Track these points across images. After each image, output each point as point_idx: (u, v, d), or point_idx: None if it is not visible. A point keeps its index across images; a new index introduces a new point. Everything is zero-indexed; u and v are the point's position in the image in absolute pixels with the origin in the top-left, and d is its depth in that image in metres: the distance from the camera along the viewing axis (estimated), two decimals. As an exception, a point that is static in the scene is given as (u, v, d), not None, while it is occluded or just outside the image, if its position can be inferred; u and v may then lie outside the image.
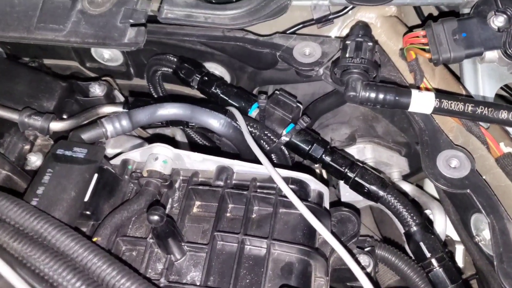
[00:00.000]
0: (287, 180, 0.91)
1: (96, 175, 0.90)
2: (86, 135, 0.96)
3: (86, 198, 0.87)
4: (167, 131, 1.32)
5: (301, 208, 0.84)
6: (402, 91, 0.90)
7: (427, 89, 0.99)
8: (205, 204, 0.93)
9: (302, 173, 0.93)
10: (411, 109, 0.90)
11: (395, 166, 1.26)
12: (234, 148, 1.11)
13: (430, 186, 1.39)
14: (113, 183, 0.93)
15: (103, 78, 1.24)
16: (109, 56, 1.32)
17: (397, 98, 0.89)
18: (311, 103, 1.21)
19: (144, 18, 1.03)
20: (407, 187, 1.28)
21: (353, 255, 0.94)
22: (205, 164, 0.95)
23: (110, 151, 1.14)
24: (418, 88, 0.99)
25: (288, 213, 0.89)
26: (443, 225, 1.19)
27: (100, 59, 1.33)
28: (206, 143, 1.35)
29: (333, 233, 0.95)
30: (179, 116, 1.00)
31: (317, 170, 1.30)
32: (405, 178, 1.34)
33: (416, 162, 1.31)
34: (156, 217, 0.75)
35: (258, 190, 0.91)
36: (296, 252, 0.84)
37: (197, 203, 0.93)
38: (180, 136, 1.33)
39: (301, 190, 0.92)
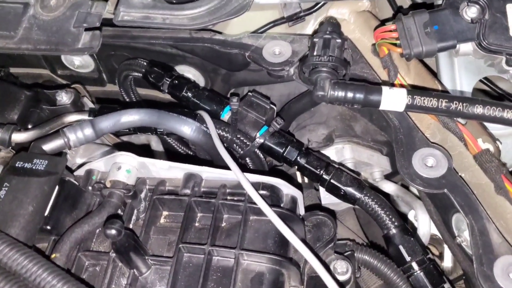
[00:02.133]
0: (257, 185, 0.87)
1: (57, 188, 0.86)
2: (47, 146, 0.92)
3: (46, 212, 0.83)
4: (142, 138, 1.29)
5: (270, 214, 0.80)
6: (372, 89, 0.86)
7: (401, 86, 0.95)
8: (173, 214, 0.89)
9: (273, 178, 0.89)
10: (382, 107, 0.86)
11: (376, 165, 1.22)
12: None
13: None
14: (76, 195, 0.89)
15: (72, 86, 1.20)
16: (79, 62, 1.28)
17: (367, 96, 0.85)
18: (285, 104, 1.17)
19: (99, 21, 0.99)
20: (390, 186, 1.24)
21: (324, 262, 0.90)
22: (172, 172, 0.91)
23: (79, 160, 1.10)
24: (393, 85, 0.95)
25: (259, 220, 0.85)
26: (427, 225, 1.15)
27: (70, 66, 1.30)
28: (184, 148, 1.31)
29: (304, 240, 0.92)
30: (145, 123, 0.96)
31: (298, 174, 1.26)
32: (390, 177, 1.30)
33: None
34: (113, 231, 0.71)
35: (228, 197, 0.88)
36: (267, 262, 0.80)
37: (165, 213, 0.89)
38: (155, 143, 1.29)
39: (273, 196, 0.88)
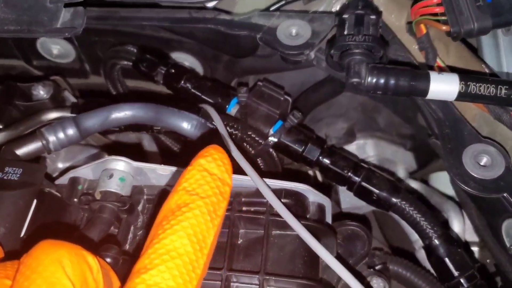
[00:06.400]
0: (279, 193, 0.72)
1: (35, 202, 0.70)
2: (21, 150, 0.76)
3: (22, 233, 0.67)
4: (132, 136, 1.12)
5: (300, 229, 0.65)
6: (418, 74, 0.71)
7: (441, 70, 0.81)
8: (178, 229, 0.73)
9: (298, 183, 0.74)
10: (430, 96, 0.71)
11: (400, 162, 1.09)
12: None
13: (437, 182, 1.22)
14: (59, 210, 0.73)
15: (51, 78, 1.04)
16: (58, 51, 1.12)
17: (412, 83, 0.70)
18: (300, 94, 1.02)
19: (81, -6, 0.82)
20: (415, 185, 1.11)
21: (363, 281, 0.76)
22: (175, 178, 0.75)
23: (61, 165, 0.94)
24: (431, 69, 0.81)
25: (283, 235, 0.70)
26: (461, 230, 1.02)
27: (48, 55, 1.13)
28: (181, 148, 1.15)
29: (339, 256, 0.77)
30: (140, 119, 0.80)
31: (310, 172, 1.12)
32: (410, 174, 1.17)
33: (423, 156, 1.14)
34: (108, 260, 0.56)
35: (244, 209, 0.73)
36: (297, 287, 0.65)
37: (168, 228, 0.74)
38: (148, 142, 1.13)
39: (298, 205, 0.74)
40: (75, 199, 0.75)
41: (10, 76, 1.11)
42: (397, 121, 1.06)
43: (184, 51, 1.06)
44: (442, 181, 1.19)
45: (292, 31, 0.86)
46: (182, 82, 0.95)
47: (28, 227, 0.68)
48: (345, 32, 0.76)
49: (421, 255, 1.05)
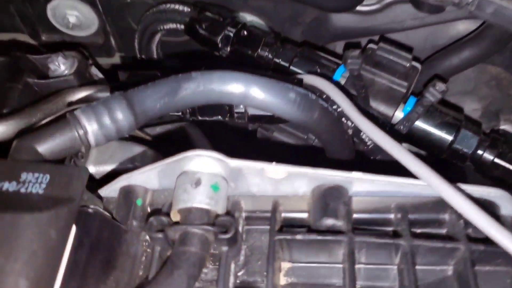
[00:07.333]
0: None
1: (73, 229, 0.41)
2: (46, 145, 0.47)
3: (57, 286, 0.39)
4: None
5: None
6: None
7: None
8: (304, 266, 0.45)
9: (487, 187, 0.47)
10: None
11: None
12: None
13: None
14: (111, 240, 0.45)
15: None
16: (76, 19, 0.87)
17: None
18: (424, 60, 0.75)
19: None
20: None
21: None
22: (290, 183, 0.48)
23: (93, 169, 0.65)
24: None
25: (493, 273, 0.43)
26: None
27: (61, 26, 0.88)
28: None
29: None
30: (223, 96, 0.52)
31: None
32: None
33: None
34: None
35: (420, 231, 0.45)
36: None
37: (286, 265, 0.46)
38: (192, 129, 0.83)
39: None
40: (134, 222, 0.46)
41: (16, 46, 0.84)
42: (534, 99, 0.79)
43: (248, 10, 0.79)
44: None
45: (437, -39, 0.58)
46: (260, 48, 0.68)
47: (65, 274, 0.39)
48: None
49: None
